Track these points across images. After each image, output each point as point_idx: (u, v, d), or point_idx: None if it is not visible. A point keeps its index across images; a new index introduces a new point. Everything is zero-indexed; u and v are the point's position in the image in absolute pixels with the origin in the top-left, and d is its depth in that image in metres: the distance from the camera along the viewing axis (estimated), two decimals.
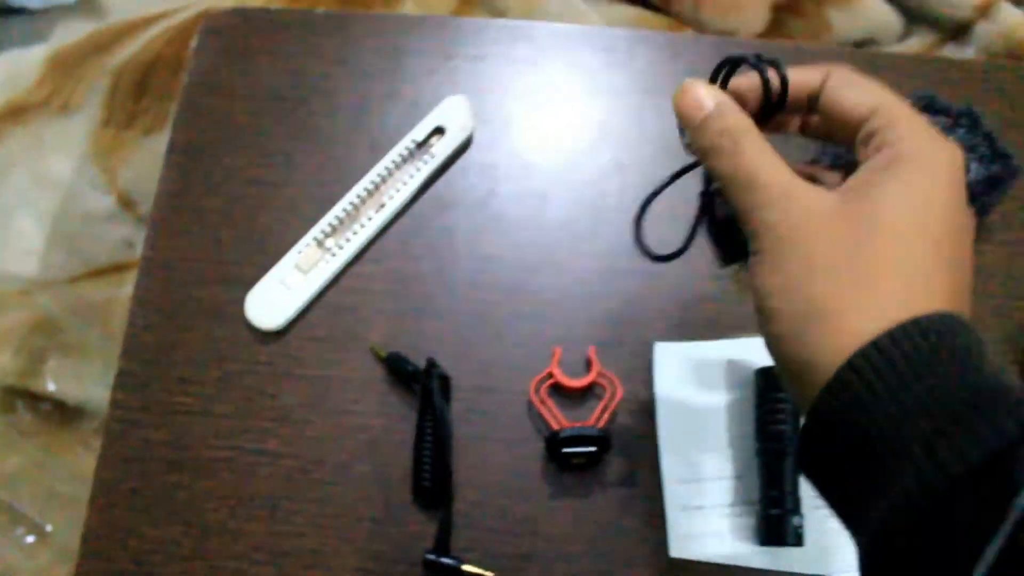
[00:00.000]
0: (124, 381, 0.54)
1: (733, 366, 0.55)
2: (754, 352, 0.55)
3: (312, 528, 0.52)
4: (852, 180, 0.33)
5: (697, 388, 0.54)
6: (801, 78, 0.35)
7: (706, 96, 0.34)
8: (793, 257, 0.32)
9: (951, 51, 0.89)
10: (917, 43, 0.90)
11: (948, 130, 0.50)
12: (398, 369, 0.54)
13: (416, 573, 0.51)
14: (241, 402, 0.54)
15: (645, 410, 0.54)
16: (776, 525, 0.50)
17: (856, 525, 0.31)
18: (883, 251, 0.31)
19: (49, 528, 0.69)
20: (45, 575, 0.70)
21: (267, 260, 0.56)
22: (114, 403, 0.54)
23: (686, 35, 0.66)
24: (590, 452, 0.51)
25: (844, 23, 0.89)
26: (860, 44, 0.88)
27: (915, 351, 0.29)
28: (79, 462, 0.56)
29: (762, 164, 0.33)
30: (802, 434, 0.32)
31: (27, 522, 0.70)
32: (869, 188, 0.32)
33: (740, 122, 0.34)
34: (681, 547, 0.51)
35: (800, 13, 0.89)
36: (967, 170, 0.49)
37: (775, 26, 0.89)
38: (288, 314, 0.55)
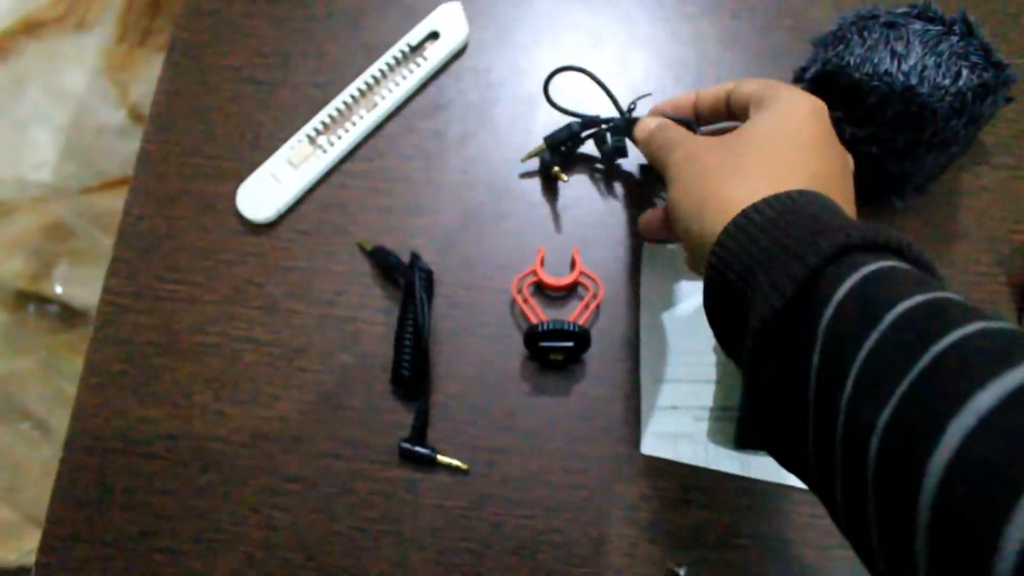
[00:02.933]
0: (117, 268, 0.56)
1: None
2: None
3: (292, 413, 0.53)
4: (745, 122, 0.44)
5: (682, 292, 0.55)
6: (716, 94, 0.48)
7: (650, 122, 0.50)
8: (691, 169, 0.43)
9: None
10: None
11: (942, 35, 0.50)
12: (382, 262, 0.54)
13: (392, 460, 0.52)
14: (229, 291, 0.55)
15: (629, 311, 0.54)
16: (750, 430, 0.50)
17: (738, 363, 0.38)
18: (754, 153, 0.41)
19: (54, 422, 0.71)
20: (47, 466, 0.72)
21: (260, 156, 0.57)
22: (106, 288, 0.55)
23: None
24: (567, 347, 0.51)
25: None
26: None
27: (772, 212, 0.36)
28: (76, 362, 0.57)
29: (674, 135, 0.46)
30: (703, 291, 0.39)
31: (33, 418, 0.72)
32: (745, 124, 0.43)
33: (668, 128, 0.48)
34: (653, 445, 0.52)
35: None
36: (958, 77, 0.49)
37: None
38: (278, 206, 0.56)
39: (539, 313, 0.53)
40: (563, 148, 0.55)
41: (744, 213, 0.37)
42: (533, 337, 0.51)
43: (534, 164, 0.57)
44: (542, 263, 0.54)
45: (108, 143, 0.80)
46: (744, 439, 0.51)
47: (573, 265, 0.55)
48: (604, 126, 0.54)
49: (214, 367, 0.54)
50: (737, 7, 0.62)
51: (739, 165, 0.41)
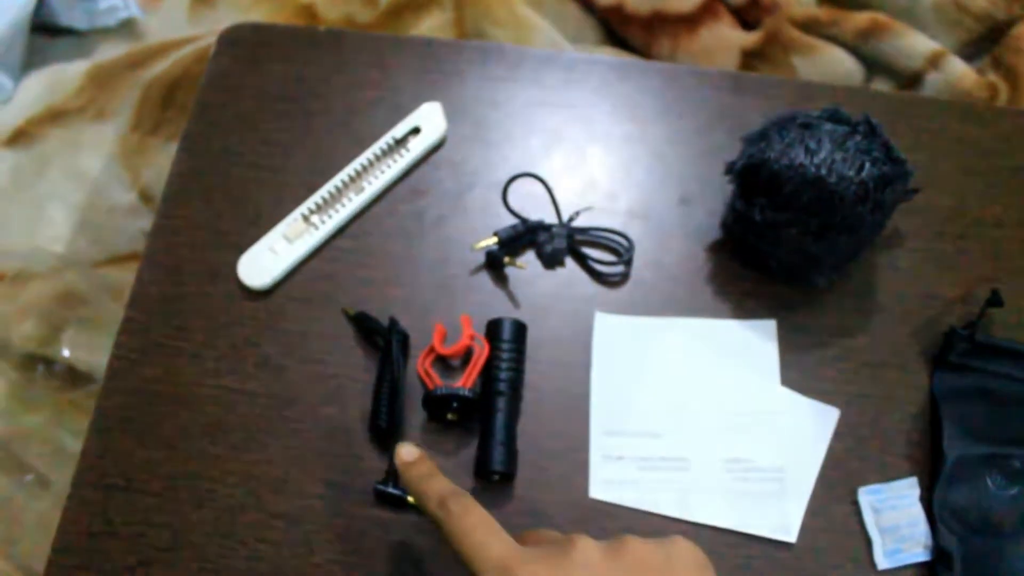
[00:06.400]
0: (128, 326, 0.63)
1: (658, 339, 0.62)
2: (683, 329, 0.63)
3: (280, 458, 0.59)
4: None
5: (629, 356, 0.62)
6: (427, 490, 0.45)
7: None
8: None
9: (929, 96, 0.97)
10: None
11: (849, 135, 0.58)
12: (364, 326, 0.62)
13: (368, 501, 0.58)
14: (228, 349, 0.62)
15: (582, 372, 0.61)
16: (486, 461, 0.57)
17: None
18: None
19: (54, 476, 0.77)
20: (45, 518, 0.77)
21: (260, 231, 0.65)
22: (118, 344, 0.62)
23: (633, 61, 0.75)
24: (456, 408, 0.57)
25: (809, 70, 0.98)
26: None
27: None
28: (85, 421, 0.64)
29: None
30: None
31: (35, 471, 0.78)
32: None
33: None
34: (601, 490, 0.58)
35: (768, 59, 0.98)
36: (861, 169, 0.57)
37: (745, 70, 0.98)
38: (274, 275, 0.63)
39: (436, 380, 0.58)
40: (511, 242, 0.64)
41: None
42: (426, 405, 0.58)
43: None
44: (441, 338, 0.60)
45: (118, 221, 0.88)
46: (480, 468, 0.57)
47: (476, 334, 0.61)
48: (541, 235, 0.64)
49: (211, 416, 0.60)
50: (683, 109, 0.71)
51: None
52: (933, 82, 0.94)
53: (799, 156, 0.58)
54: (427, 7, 0.95)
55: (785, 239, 0.60)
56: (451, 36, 0.94)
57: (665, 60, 0.97)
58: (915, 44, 0.95)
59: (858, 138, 0.58)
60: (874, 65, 0.98)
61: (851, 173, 0.57)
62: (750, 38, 0.97)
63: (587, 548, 0.39)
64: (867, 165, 0.57)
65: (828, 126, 0.59)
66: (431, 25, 0.94)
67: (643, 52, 0.97)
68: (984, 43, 0.98)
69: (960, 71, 0.94)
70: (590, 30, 0.99)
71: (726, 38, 0.97)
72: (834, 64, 0.96)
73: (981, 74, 0.94)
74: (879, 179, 0.57)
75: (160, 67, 0.93)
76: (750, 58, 0.97)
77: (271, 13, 0.97)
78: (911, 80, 0.96)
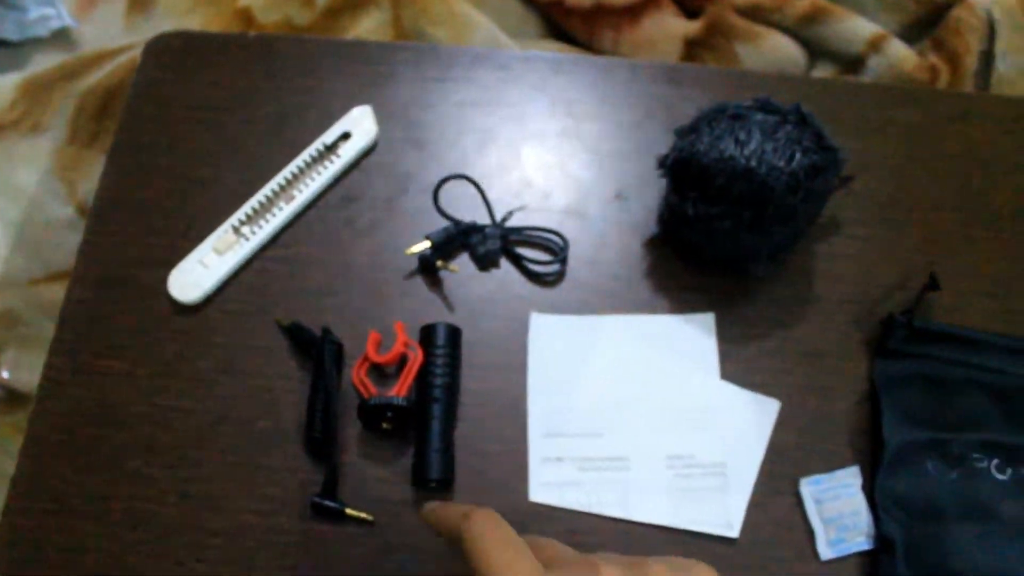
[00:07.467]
0: (57, 347, 0.62)
1: (595, 337, 0.62)
2: (620, 327, 0.62)
3: (216, 475, 0.58)
4: None
5: (566, 356, 0.62)
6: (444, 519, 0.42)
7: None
8: None
9: (865, 81, 0.97)
10: (821, 75, 0.99)
11: (779, 125, 0.58)
12: (297, 337, 0.61)
13: (306, 515, 0.57)
14: (160, 366, 0.61)
15: (519, 375, 0.61)
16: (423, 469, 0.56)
17: None
18: None
19: None
20: None
21: (190, 244, 0.64)
22: (48, 366, 0.61)
23: (568, 56, 0.74)
24: (391, 416, 0.57)
25: (752, 58, 0.97)
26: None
27: None
28: (19, 441, 0.62)
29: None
30: None
31: None
32: None
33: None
34: (541, 493, 0.58)
35: (711, 48, 0.97)
36: (792, 159, 0.57)
37: (688, 60, 0.98)
38: (205, 289, 0.62)
39: (371, 389, 0.58)
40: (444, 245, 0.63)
41: None
42: (361, 415, 0.57)
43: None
44: (376, 346, 0.60)
45: (56, 237, 0.86)
46: (418, 477, 0.57)
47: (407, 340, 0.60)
48: (475, 237, 0.63)
49: (145, 435, 0.59)
50: (618, 103, 0.70)
51: None
52: (875, 65, 0.94)
53: (729, 148, 0.57)
54: (364, 7, 0.93)
55: (719, 232, 0.60)
56: (389, 35, 0.93)
57: (608, 52, 0.96)
58: (856, 28, 0.94)
59: (789, 128, 0.58)
60: (817, 50, 0.97)
61: (781, 163, 0.56)
62: (693, 27, 0.96)
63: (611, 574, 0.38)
64: (797, 155, 0.57)
65: (758, 116, 0.59)
66: (369, 26, 0.93)
67: (586, 45, 0.96)
68: (925, 25, 0.98)
69: (902, 54, 0.94)
70: (532, 24, 0.98)
71: (669, 28, 0.96)
72: (777, 51, 0.96)
73: (922, 56, 0.94)
74: (810, 168, 0.57)
75: (95, 77, 0.91)
76: (693, 47, 0.97)
77: (208, 18, 0.96)
78: (853, 64, 0.95)
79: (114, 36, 0.96)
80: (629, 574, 0.38)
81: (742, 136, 0.57)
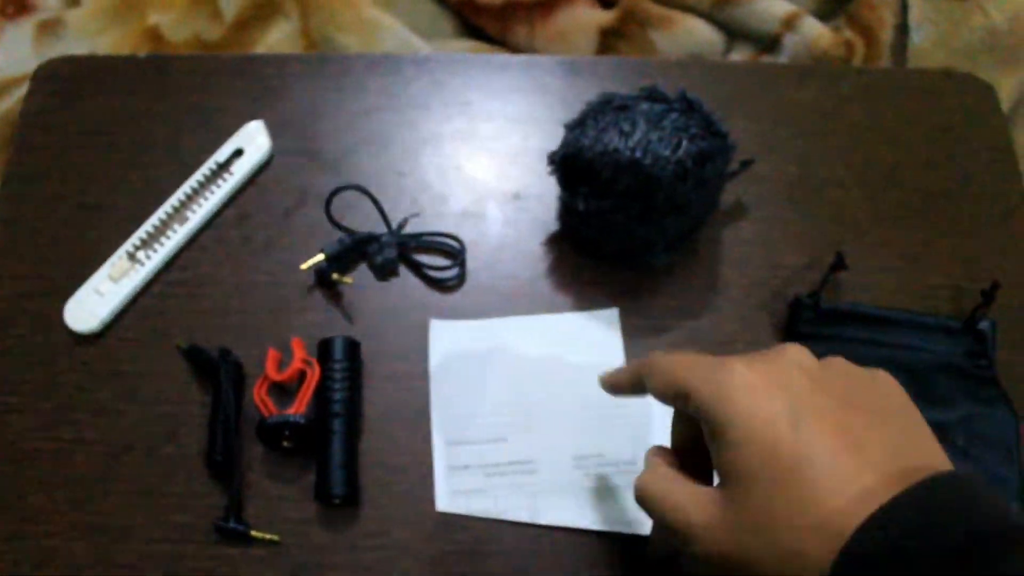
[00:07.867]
0: None
1: (497, 341, 0.62)
2: (522, 328, 0.62)
3: (122, 506, 0.57)
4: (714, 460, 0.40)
5: (466, 363, 0.61)
6: (623, 379, 0.49)
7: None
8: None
9: (767, 62, 0.97)
10: (738, 56, 0.98)
11: (665, 113, 0.57)
12: (197, 360, 0.60)
13: (212, 539, 0.56)
14: (61, 399, 0.60)
15: (421, 384, 0.60)
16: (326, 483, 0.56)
17: None
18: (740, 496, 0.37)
19: None
20: None
21: (87, 273, 0.63)
22: None
23: (461, 56, 0.74)
24: (289, 435, 0.56)
25: (667, 44, 0.97)
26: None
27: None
28: None
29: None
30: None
31: None
32: (718, 466, 0.39)
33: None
34: (448, 502, 0.57)
35: (626, 37, 0.97)
36: (678, 147, 0.56)
37: (604, 50, 0.97)
38: (102, 318, 0.61)
39: (272, 408, 0.57)
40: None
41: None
42: (260, 434, 0.57)
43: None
44: (275, 364, 0.59)
45: None
46: (321, 493, 0.56)
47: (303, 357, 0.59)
48: (371, 246, 0.63)
49: (47, 470, 0.58)
50: (514, 100, 0.70)
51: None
52: (791, 44, 0.94)
53: (613, 140, 0.57)
54: (273, 19, 0.92)
55: (613, 226, 0.59)
56: (300, 45, 0.92)
57: (523, 47, 0.96)
58: (770, 7, 0.94)
59: (675, 116, 0.57)
60: (733, 32, 0.97)
61: (667, 153, 0.56)
62: (607, 16, 0.96)
63: (799, 351, 0.41)
64: (684, 143, 0.56)
65: (644, 106, 0.58)
66: (278, 37, 0.92)
67: (500, 41, 0.96)
68: (840, 1, 0.98)
69: (816, 31, 0.93)
70: (445, 23, 0.98)
71: (583, 19, 0.96)
72: (693, 35, 0.96)
73: (838, 32, 0.94)
74: (698, 155, 0.57)
75: (4, 105, 0.90)
76: (608, 37, 0.96)
77: (118, 39, 0.94)
78: (770, 44, 0.95)
79: (24, 61, 0.94)
80: (817, 359, 0.42)
81: (626, 127, 0.57)
